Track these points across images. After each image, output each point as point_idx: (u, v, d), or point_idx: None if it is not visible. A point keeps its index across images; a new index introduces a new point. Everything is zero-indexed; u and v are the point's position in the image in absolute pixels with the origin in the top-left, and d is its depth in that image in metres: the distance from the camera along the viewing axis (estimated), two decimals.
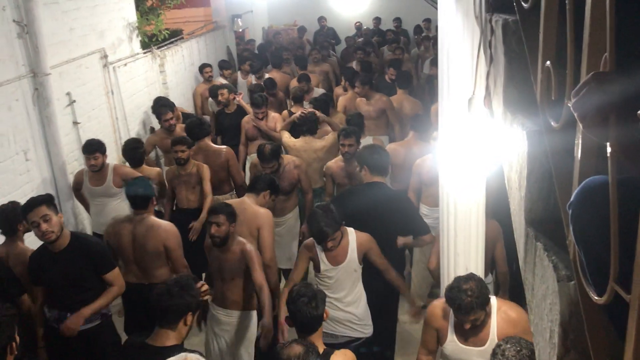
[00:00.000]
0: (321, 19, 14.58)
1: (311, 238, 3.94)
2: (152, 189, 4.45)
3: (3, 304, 2.79)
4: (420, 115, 5.92)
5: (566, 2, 1.17)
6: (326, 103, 6.71)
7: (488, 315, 3.16)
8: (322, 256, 3.91)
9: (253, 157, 5.86)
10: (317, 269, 3.98)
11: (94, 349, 4.00)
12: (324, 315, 3.12)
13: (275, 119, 6.63)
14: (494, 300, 3.27)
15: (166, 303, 2.83)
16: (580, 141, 1.11)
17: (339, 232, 3.79)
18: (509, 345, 2.78)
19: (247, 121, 6.75)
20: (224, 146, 6.15)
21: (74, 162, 6.08)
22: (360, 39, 12.78)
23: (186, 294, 2.87)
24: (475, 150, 2.25)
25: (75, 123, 6.17)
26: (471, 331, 3.18)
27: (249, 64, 9.54)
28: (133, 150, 5.72)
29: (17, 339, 2.74)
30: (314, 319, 3.03)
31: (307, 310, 3.01)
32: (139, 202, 4.32)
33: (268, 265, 4.16)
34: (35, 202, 3.76)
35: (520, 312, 3.24)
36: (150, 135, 7.03)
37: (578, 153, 1.12)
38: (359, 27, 14.26)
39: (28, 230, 4.16)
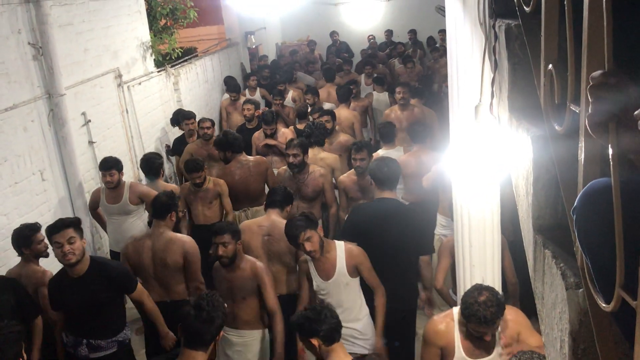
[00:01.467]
0: (333, 34, 14.64)
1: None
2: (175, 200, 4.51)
3: (9, 321, 2.80)
4: (414, 124, 5.80)
5: (565, 4, 1.15)
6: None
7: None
8: (313, 271, 3.86)
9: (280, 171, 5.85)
10: (311, 285, 3.94)
11: None
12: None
13: (285, 135, 6.62)
14: None
15: (198, 325, 2.66)
16: (583, 145, 1.09)
17: (313, 232, 3.73)
18: None
19: (257, 137, 6.76)
20: (259, 156, 6.13)
21: (91, 181, 6.15)
22: (369, 51, 12.83)
23: (218, 313, 2.72)
24: (486, 159, 2.22)
25: (91, 142, 6.24)
26: (478, 342, 3.13)
27: (253, 79, 9.58)
28: (150, 161, 5.77)
29: (25, 356, 2.74)
30: (337, 326, 3.02)
31: (329, 316, 3.01)
32: (159, 211, 4.33)
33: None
34: (63, 224, 3.75)
35: (514, 311, 3.28)
36: (188, 145, 6.96)
37: (581, 157, 1.10)
38: (371, 40, 14.29)
39: (40, 253, 4.19)
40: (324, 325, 2.97)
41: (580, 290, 1.15)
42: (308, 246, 3.71)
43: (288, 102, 8.81)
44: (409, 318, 4.39)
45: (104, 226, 5.79)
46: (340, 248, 3.86)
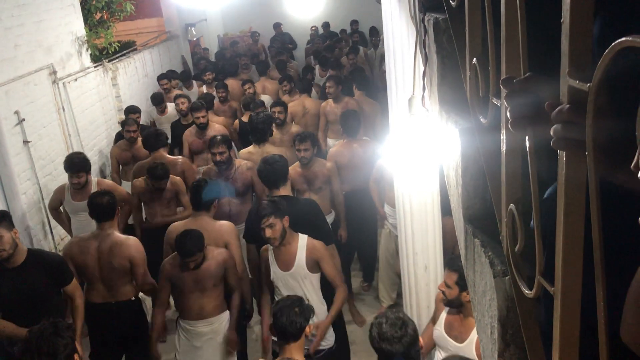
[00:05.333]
0: (277, 25, 14.56)
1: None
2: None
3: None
4: (344, 116, 5.78)
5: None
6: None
7: (469, 312, 3.17)
8: (272, 259, 3.87)
9: (202, 170, 5.76)
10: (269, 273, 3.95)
11: None
12: (306, 329, 3.11)
13: (216, 129, 6.52)
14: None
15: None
16: (504, 137, 1.12)
17: (277, 220, 3.71)
18: None
19: (189, 134, 6.66)
20: (180, 157, 6.07)
21: (27, 182, 5.93)
22: (309, 45, 12.85)
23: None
24: (421, 149, 2.27)
25: (26, 142, 6.01)
26: (459, 325, 3.22)
27: (210, 74, 9.43)
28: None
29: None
30: (294, 324, 3.03)
31: (289, 312, 3.04)
32: (104, 214, 4.21)
33: (241, 277, 4.18)
34: None
35: None
36: (112, 148, 6.87)
37: (504, 149, 1.13)
38: (314, 31, 14.27)
39: None
40: (282, 320, 3.02)
41: (507, 277, 1.18)
42: (268, 232, 3.70)
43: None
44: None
45: (65, 226, 5.58)
46: (303, 241, 3.86)
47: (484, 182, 1.42)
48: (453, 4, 1.49)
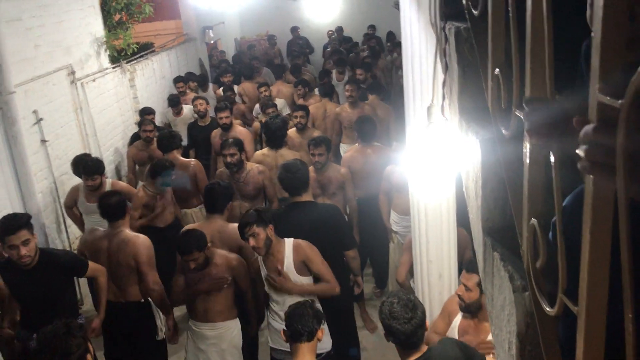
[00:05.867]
0: (294, 29, 14.58)
1: None
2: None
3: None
4: (359, 122, 5.76)
5: (509, 8, 1.16)
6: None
7: (485, 317, 3.12)
8: (262, 269, 3.84)
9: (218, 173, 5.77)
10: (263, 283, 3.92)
11: None
12: (319, 333, 3.08)
13: (241, 133, 6.53)
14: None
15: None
16: (527, 150, 1.10)
17: (260, 230, 3.67)
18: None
19: (216, 135, 6.69)
20: (192, 159, 6.08)
21: (44, 181, 5.98)
22: (327, 50, 12.84)
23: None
24: (439, 158, 2.25)
25: (43, 141, 6.07)
26: (473, 330, 3.19)
27: (229, 76, 9.47)
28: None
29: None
30: (306, 325, 3.02)
31: (301, 311, 3.05)
32: (115, 214, 4.24)
33: (255, 280, 4.15)
34: (17, 225, 3.62)
35: None
36: (129, 148, 6.91)
37: (526, 161, 1.11)
38: (331, 35, 14.28)
39: None
40: (295, 320, 3.04)
41: (527, 293, 1.16)
42: (252, 241, 3.68)
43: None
44: (347, 312, 4.44)
45: (79, 225, 5.65)
46: (289, 245, 3.82)
47: (504, 194, 1.40)
48: (475, 13, 1.47)
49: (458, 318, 3.30)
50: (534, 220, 1.09)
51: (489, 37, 1.34)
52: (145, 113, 7.21)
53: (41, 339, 2.80)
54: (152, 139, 6.47)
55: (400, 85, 9.58)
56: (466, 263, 3.27)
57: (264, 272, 3.84)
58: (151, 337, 4.32)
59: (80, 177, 5.53)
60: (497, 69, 1.30)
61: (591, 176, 0.79)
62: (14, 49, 5.62)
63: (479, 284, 3.05)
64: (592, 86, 0.78)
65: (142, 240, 4.23)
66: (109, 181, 5.46)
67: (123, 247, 4.17)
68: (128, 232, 4.29)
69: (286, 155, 5.61)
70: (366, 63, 9.22)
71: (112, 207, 4.23)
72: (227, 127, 6.53)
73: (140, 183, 6.24)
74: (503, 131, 1.26)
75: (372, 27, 13.93)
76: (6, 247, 3.66)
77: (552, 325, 1.07)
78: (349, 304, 4.50)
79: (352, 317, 4.58)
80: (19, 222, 3.67)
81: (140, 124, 6.70)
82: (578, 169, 1.06)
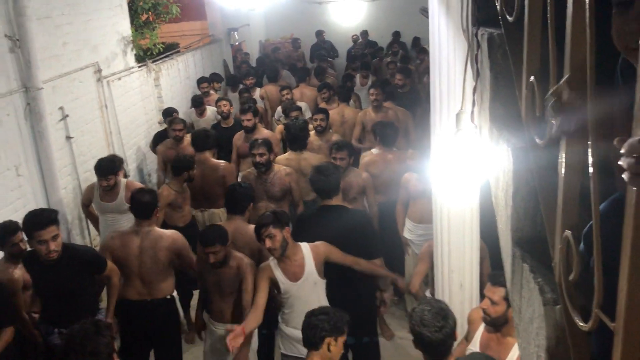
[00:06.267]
0: (319, 33, 14.59)
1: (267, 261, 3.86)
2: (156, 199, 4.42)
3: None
4: (380, 127, 5.71)
5: (548, 15, 1.13)
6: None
7: (509, 331, 3.07)
8: (278, 274, 3.77)
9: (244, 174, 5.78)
10: (277, 289, 3.84)
11: None
12: (332, 342, 3.02)
13: (265, 134, 6.52)
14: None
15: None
16: (564, 160, 1.07)
17: (277, 231, 3.66)
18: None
19: (239, 138, 6.68)
20: (224, 161, 6.06)
21: (67, 177, 6.04)
22: (351, 53, 12.83)
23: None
24: (466, 167, 2.21)
25: (69, 138, 6.13)
26: (495, 344, 3.13)
27: (252, 78, 9.48)
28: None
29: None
30: (315, 334, 2.98)
31: (311, 321, 3.02)
32: (144, 212, 4.24)
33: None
34: (47, 221, 3.66)
35: None
36: (159, 146, 6.89)
37: (562, 172, 1.08)
38: (355, 39, 14.27)
39: (16, 255, 4.06)
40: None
41: (558, 307, 1.13)
42: (268, 242, 3.67)
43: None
44: (370, 319, 4.39)
45: (95, 224, 5.69)
46: (306, 248, 3.82)
47: (535, 204, 1.37)
48: (510, 19, 1.44)
49: (479, 332, 3.24)
50: (567, 232, 1.06)
51: (524, 44, 1.32)
52: (169, 113, 7.23)
53: (69, 338, 2.75)
54: (181, 138, 6.49)
55: (425, 91, 9.53)
56: (490, 275, 3.19)
57: (282, 280, 3.78)
58: (174, 333, 4.37)
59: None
60: (532, 76, 1.27)
61: (634, 188, 0.77)
62: (43, 45, 5.69)
63: (506, 297, 2.98)
64: (637, 98, 0.76)
65: (176, 234, 4.31)
66: (124, 181, 5.45)
67: (160, 242, 4.18)
68: (157, 229, 4.33)
69: (309, 158, 5.59)
70: (406, 68, 9.11)
71: (144, 205, 4.23)
72: (250, 130, 6.53)
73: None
74: (537, 140, 1.23)
75: (397, 33, 13.88)
76: (35, 242, 3.68)
77: (585, 341, 1.04)
78: (372, 314, 4.42)
79: (374, 327, 4.50)
80: (49, 217, 3.70)
81: (170, 123, 6.72)
82: (608, 176, 1.03)
